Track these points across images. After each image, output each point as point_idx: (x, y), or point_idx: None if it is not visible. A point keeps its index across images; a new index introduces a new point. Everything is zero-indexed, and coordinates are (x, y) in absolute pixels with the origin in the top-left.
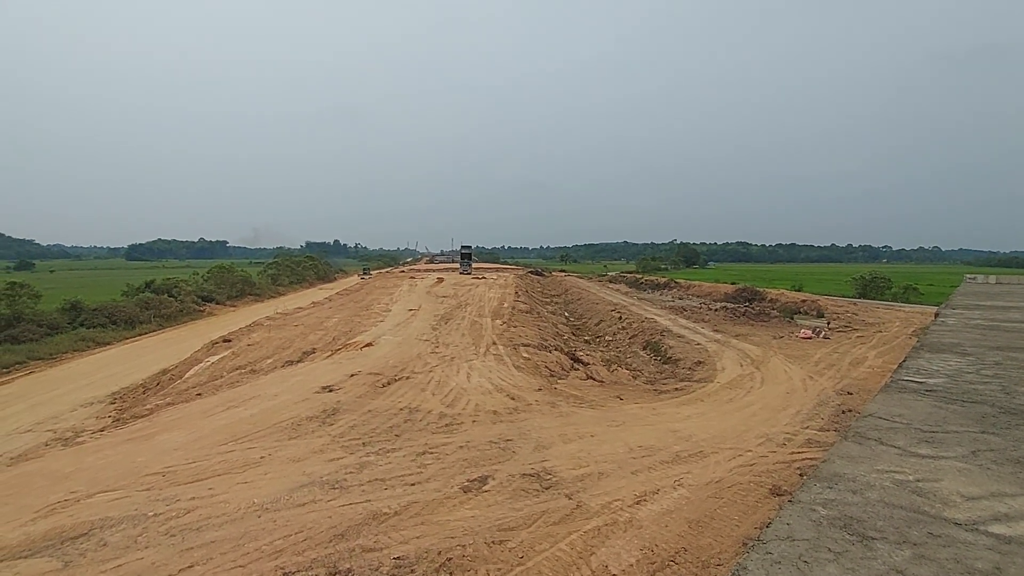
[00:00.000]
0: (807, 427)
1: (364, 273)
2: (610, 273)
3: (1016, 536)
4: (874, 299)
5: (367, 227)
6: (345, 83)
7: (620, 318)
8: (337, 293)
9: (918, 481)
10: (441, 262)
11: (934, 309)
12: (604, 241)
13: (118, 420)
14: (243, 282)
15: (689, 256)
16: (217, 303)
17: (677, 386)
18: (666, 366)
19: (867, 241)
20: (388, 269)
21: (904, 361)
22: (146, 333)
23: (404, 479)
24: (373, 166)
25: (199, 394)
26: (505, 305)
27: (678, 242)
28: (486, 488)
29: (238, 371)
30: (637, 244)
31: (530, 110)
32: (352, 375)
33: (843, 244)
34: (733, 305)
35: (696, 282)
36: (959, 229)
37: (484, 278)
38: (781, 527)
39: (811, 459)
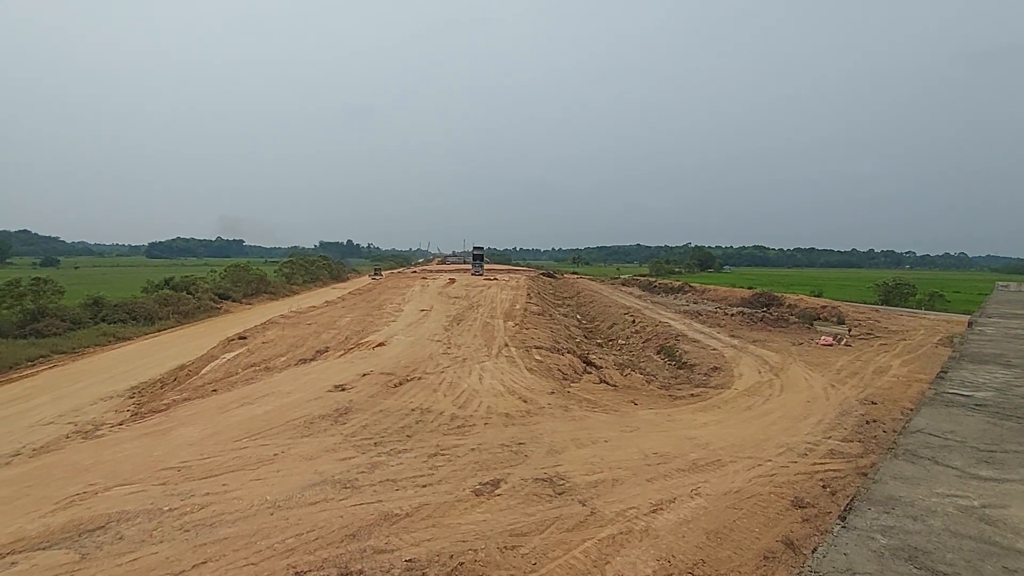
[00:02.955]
0: (829, 437)
1: (375, 274)
2: (623, 276)
3: None
4: (897, 306)
5: (380, 227)
6: (357, 83)
7: (633, 321)
8: (350, 293)
9: (984, 507)
10: (453, 263)
11: (961, 317)
12: (617, 243)
13: (136, 414)
14: (258, 280)
15: (704, 260)
16: (233, 301)
17: (693, 392)
18: (681, 371)
19: (889, 246)
20: (400, 269)
21: (945, 372)
22: (165, 329)
23: (415, 480)
24: (386, 166)
25: (215, 390)
26: (517, 307)
27: (692, 245)
28: (498, 492)
29: (253, 368)
30: (650, 247)
31: (543, 109)
32: (364, 374)
33: (864, 249)
34: (750, 310)
35: (711, 286)
36: (986, 234)
37: (496, 279)
38: (838, 558)
39: (835, 471)
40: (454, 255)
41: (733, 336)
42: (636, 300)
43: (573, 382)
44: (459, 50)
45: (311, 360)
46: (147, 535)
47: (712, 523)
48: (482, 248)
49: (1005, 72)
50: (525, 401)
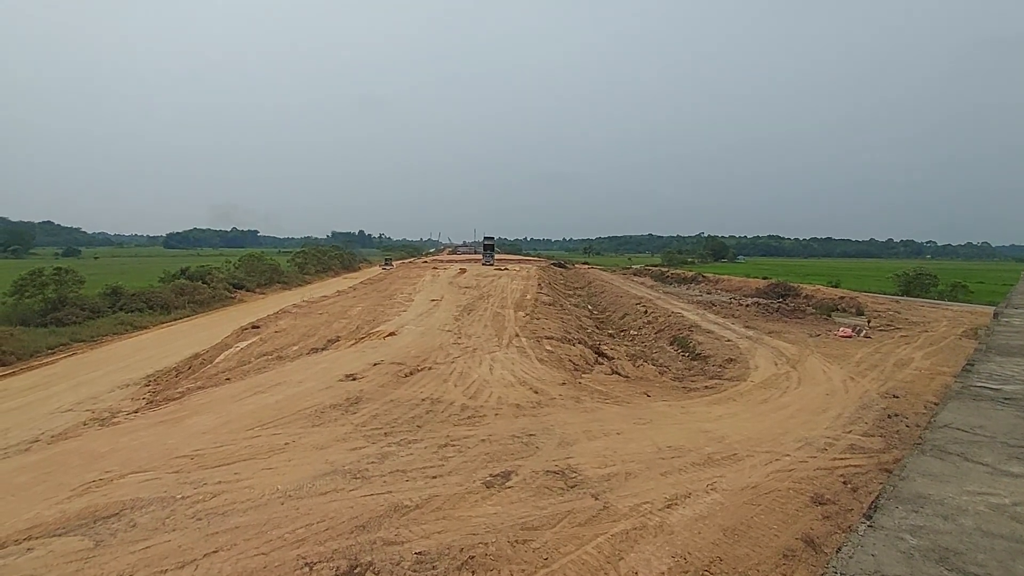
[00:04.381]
0: (849, 431)
1: (386, 263)
2: (635, 266)
3: None
4: (918, 297)
5: (391, 217)
6: (372, 73)
7: (645, 312)
8: (361, 282)
9: (1016, 505)
10: (463, 253)
11: (986, 309)
12: (628, 233)
13: (152, 402)
14: (272, 270)
15: (717, 249)
16: (247, 290)
17: (707, 384)
18: (695, 363)
19: (909, 236)
20: (411, 260)
21: (972, 365)
22: (181, 318)
23: (425, 471)
24: (398, 157)
25: (228, 379)
26: (528, 297)
27: (705, 235)
28: (509, 484)
29: (265, 357)
30: (663, 237)
31: (556, 98)
32: (375, 364)
33: (883, 239)
34: (765, 301)
35: (725, 276)
36: (1012, 223)
37: (507, 269)
38: (865, 558)
39: (855, 466)
40: (465, 245)
41: (748, 327)
42: (648, 290)
43: (584, 373)
44: (471, 39)
45: (322, 349)
46: (160, 523)
47: (729, 519)
48: (493, 238)
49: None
50: (536, 392)
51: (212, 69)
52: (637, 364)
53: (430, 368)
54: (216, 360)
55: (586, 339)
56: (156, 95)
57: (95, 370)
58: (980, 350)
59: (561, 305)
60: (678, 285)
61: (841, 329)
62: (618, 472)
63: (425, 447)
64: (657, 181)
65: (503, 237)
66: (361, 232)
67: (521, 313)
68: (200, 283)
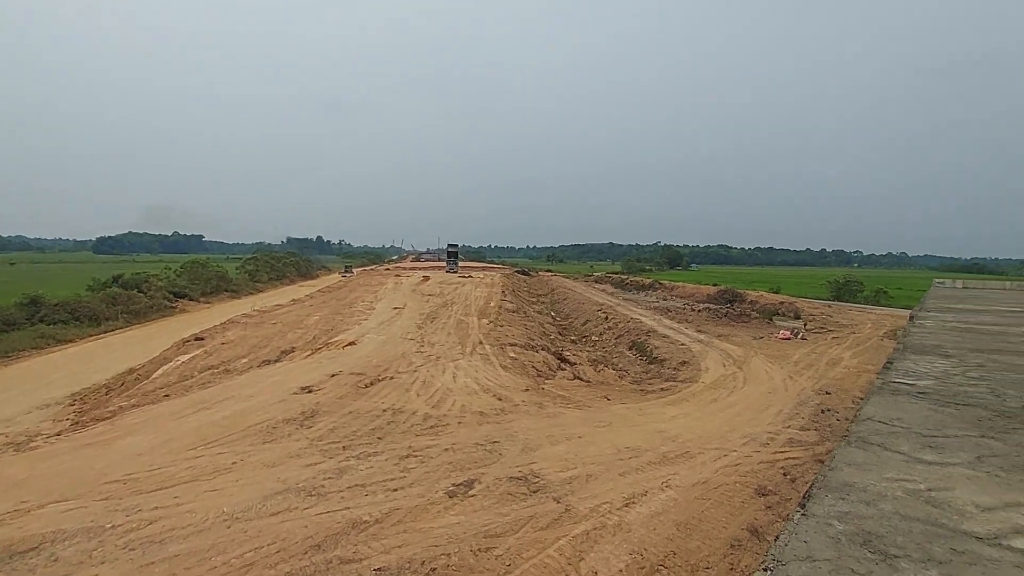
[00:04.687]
0: (788, 426)
1: (346, 271)
2: (596, 273)
3: None
4: (847, 302)
5: (352, 223)
6: (335, 71)
7: (606, 318)
8: (319, 290)
9: (930, 491)
10: (427, 260)
11: (903, 312)
12: (591, 242)
13: (77, 423)
14: (219, 278)
15: (673, 258)
16: (191, 299)
17: (663, 386)
18: (652, 366)
19: (840, 246)
20: (372, 267)
21: (891, 363)
22: (113, 330)
23: (386, 484)
24: (358, 161)
25: (167, 395)
26: (492, 304)
27: (662, 244)
28: (472, 493)
29: (210, 371)
30: (623, 245)
31: (520, 106)
32: (333, 375)
33: (817, 248)
34: (715, 306)
35: (680, 283)
36: (924, 236)
37: (470, 277)
38: (798, 545)
39: (793, 458)
40: (428, 252)
41: (700, 331)
42: (609, 297)
43: (547, 379)
44: (435, 42)
45: (275, 361)
46: (86, 556)
47: (682, 514)
48: (456, 245)
49: (958, 85)
50: (500, 399)
51: (148, 53)
52: (598, 369)
53: (392, 378)
54: (153, 375)
55: (549, 345)
56: (82, 72)
57: (9, 389)
58: (898, 349)
59: (525, 312)
60: (637, 292)
61: (781, 332)
62: (579, 475)
63: (386, 459)
64: (618, 191)
65: (467, 244)
66: (319, 238)
67: (485, 320)
68: (136, 292)
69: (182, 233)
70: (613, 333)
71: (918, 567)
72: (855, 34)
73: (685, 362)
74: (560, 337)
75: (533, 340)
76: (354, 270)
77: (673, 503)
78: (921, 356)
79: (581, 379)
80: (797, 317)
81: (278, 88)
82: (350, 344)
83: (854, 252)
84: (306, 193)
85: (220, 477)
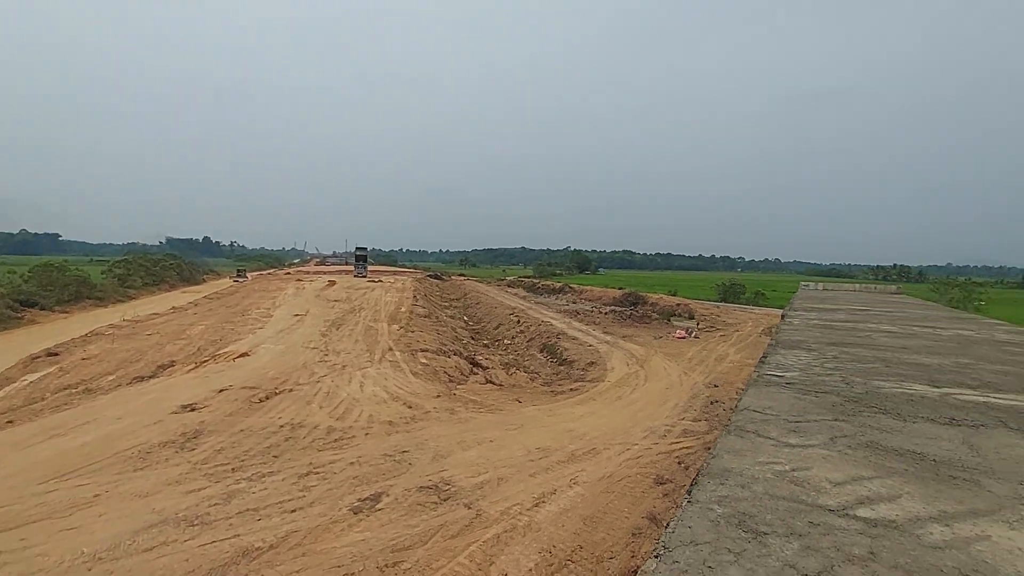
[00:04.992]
0: (683, 418)
1: (238, 275)
2: (508, 277)
3: (879, 519)
4: (732, 302)
5: (246, 225)
6: (224, 56)
7: (518, 322)
8: (205, 297)
9: (793, 471)
10: (333, 264)
11: (777, 311)
12: (503, 246)
13: None
14: (79, 283)
15: (582, 262)
16: (42, 308)
17: (572, 386)
18: (562, 367)
19: (726, 252)
20: (270, 271)
21: (766, 357)
22: None
23: (282, 506)
24: (255, 156)
25: (11, 422)
26: (403, 309)
27: (572, 249)
28: (379, 506)
29: (67, 391)
30: (534, 250)
31: (436, 113)
32: (221, 390)
33: (708, 255)
34: (620, 309)
35: (588, 287)
36: (794, 244)
37: (380, 281)
38: (684, 531)
39: (687, 448)
40: (335, 256)
41: (606, 332)
42: (521, 301)
43: (460, 384)
44: (348, 39)
45: (151, 377)
46: None
47: (588, 509)
48: (365, 248)
49: (824, 110)
50: (410, 407)
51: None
52: (510, 372)
53: (291, 390)
54: None
55: (462, 350)
56: None
57: None
58: (772, 344)
59: (437, 317)
60: (548, 295)
61: (678, 331)
62: (490, 479)
63: (283, 479)
64: (530, 197)
65: (378, 248)
66: (207, 239)
67: (395, 326)
68: None
69: (32, 232)
70: (525, 336)
71: (783, 541)
72: (736, 71)
73: (593, 362)
74: (473, 341)
75: (445, 345)
76: (248, 274)
77: (580, 499)
78: (789, 350)
79: (493, 383)
80: (691, 317)
81: (156, 68)
82: (243, 355)
83: (738, 258)
84: (190, 189)
85: (80, 512)
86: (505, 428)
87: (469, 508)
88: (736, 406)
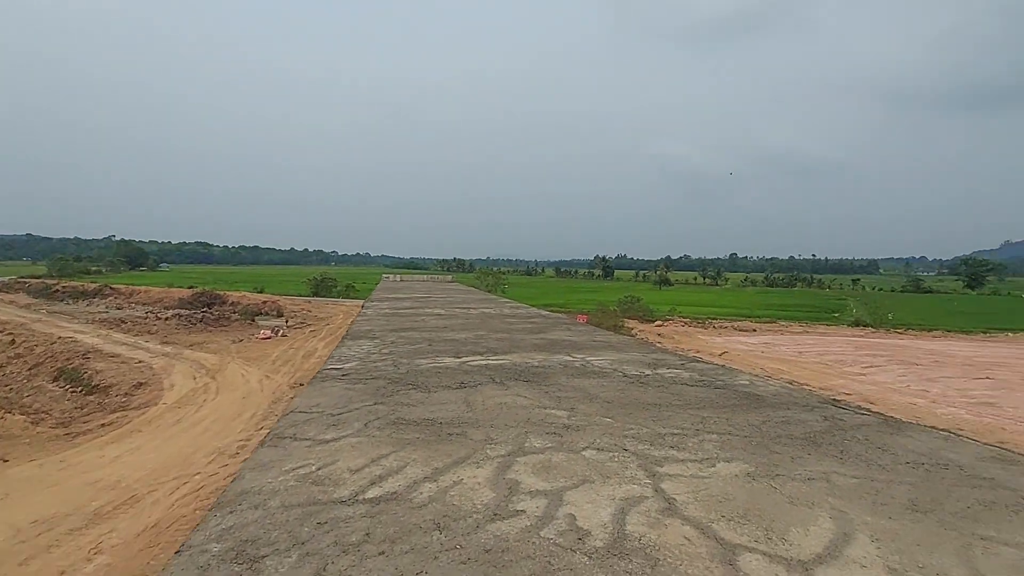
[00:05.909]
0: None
1: None
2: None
3: (383, 495)
4: (325, 296)
5: None
6: None
7: (12, 342)
8: None
9: (319, 469)
10: None
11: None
12: None
13: None
14: None
15: (134, 256)
16: None
17: (106, 420)
18: (91, 397)
19: (320, 246)
20: None
21: (333, 352)
22: None
23: None
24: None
25: None
26: None
27: (116, 239)
28: None
29: None
30: (52, 239)
31: None
32: None
33: (301, 248)
34: (189, 312)
35: (143, 287)
36: (381, 240)
37: None
38: None
39: None
40: None
41: (166, 343)
42: (23, 311)
43: None
44: None
45: None
46: None
47: None
48: None
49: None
50: None
51: None
52: None
53: None
54: None
55: None
56: None
57: None
58: (343, 337)
59: None
60: (75, 301)
61: (262, 332)
62: None
63: None
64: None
65: None
66: None
67: None
68: None
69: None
70: (25, 362)
71: (282, 557)
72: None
73: (142, 383)
74: None
75: None
76: None
77: (106, 570)
78: (355, 341)
79: None
80: (280, 315)
81: None
82: None
83: (331, 252)
84: None
85: None
86: None
87: None
88: (284, 411)
